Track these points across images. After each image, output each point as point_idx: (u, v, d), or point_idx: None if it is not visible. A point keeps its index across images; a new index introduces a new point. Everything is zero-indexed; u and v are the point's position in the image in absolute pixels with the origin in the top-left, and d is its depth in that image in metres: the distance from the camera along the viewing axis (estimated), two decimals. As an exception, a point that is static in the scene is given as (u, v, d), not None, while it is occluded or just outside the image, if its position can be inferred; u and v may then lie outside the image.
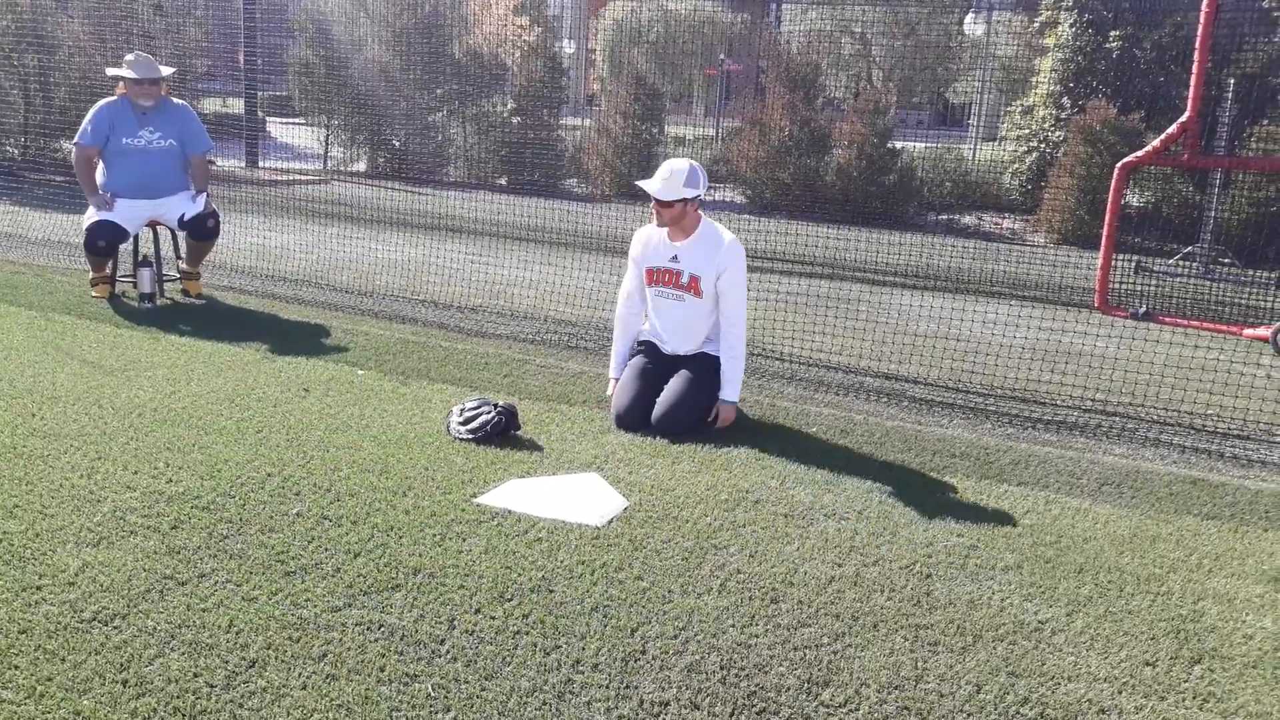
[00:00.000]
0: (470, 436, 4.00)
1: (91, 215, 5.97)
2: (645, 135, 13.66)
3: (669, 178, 4.26)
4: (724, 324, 4.39)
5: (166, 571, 2.83)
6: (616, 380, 4.54)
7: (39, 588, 2.71)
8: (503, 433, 4.04)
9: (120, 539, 3.01)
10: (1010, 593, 2.99)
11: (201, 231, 6.18)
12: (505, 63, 14.53)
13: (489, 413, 4.05)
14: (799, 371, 5.39)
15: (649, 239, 4.52)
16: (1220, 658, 2.70)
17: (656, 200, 4.27)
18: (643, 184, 4.32)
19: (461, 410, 4.12)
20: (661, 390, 4.35)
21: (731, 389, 4.37)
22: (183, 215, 6.10)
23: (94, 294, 6.14)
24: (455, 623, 2.65)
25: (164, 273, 6.33)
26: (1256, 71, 9.97)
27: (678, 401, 4.28)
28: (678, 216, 4.31)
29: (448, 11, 14.46)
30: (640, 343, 4.63)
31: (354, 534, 3.13)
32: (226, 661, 2.43)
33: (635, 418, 4.30)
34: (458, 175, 14.20)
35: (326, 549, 3.02)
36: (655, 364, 4.49)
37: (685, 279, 4.38)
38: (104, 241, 5.96)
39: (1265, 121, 10.15)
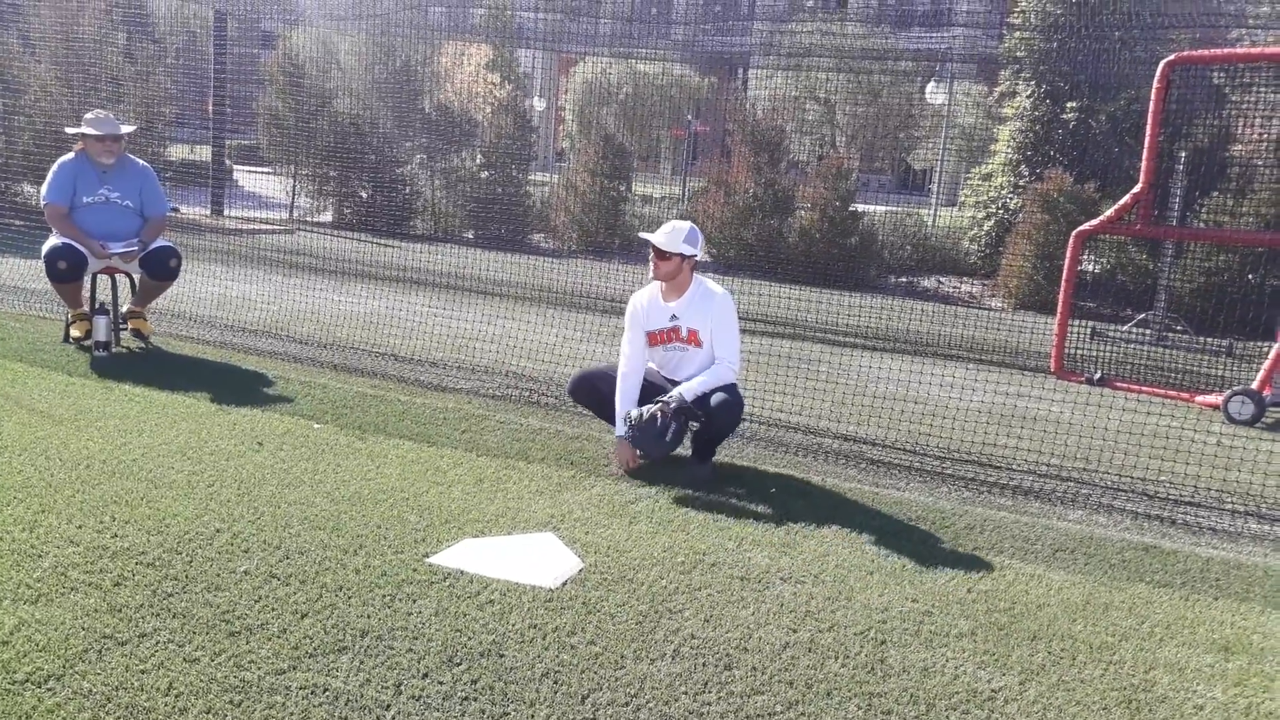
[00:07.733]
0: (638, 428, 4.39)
1: (51, 242, 5.79)
2: (612, 192, 13.82)
3: (671, 233, 4.56)
4: (717, 360, 4.62)
5: (106, 630, 2.75)
6: (624, 438, 4.52)
7: (-29, 647, 2.63)
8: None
9: (60, 596, 2.93)
10: (964, 660, 2.98)
11: (163, 270, 6.05)
12: (475, 118, 14.68)
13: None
14: (759, 431, 5.40)
15: (648, 304, 4.71)
16: (1170, 729, 2.71)
17: (656, 250, 4.53)
18: (646, 235, 4.63)
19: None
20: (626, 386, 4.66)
21: (688, 391, 4.50)
22: (145, 255, 5.94)
23: (75, 333, 5.91)
24: (402, 687, 2.60)
25: (120, 323, 6.21)
26: (1206, 145, 10.29)
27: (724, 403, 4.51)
28: (674, 271, 4.57)
29: (419, 66, 14.62)
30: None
31: (302, 593, 3.07)
32: (163, 727, 2.35)
33: (586, 390, 4.80)
34: (424, 228, 14.23)
35: (273, 609, 2.96)
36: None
37: (685, 333, 4.63)
38: (65, 263, 5.71)
39: (1215, 193, 10.46)
